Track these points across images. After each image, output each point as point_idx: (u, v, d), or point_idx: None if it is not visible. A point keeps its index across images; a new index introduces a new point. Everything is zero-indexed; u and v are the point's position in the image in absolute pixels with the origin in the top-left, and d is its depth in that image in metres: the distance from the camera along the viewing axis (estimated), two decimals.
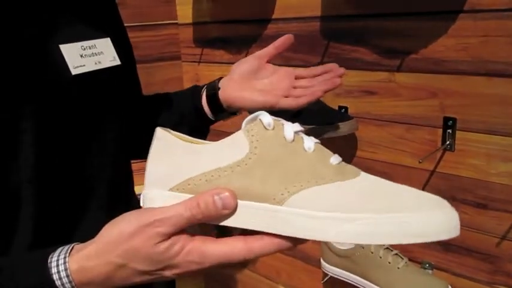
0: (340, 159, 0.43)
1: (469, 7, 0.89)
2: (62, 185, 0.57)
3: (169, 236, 0.42)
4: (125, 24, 0.74)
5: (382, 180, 0.43)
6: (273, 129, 0.43)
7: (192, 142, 0.46)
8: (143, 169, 0.45)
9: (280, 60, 1.22)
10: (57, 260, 0.45)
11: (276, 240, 0.41)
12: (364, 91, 1.07)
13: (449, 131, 0.95)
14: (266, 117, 0.43)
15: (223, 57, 1.37)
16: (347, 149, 1.12)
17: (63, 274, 0.44)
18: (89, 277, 0.44)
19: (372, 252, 1.00)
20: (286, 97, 0.71)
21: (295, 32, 1.18)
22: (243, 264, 0.44)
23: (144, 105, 0.79)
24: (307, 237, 0.39)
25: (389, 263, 0.98)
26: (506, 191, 0.90)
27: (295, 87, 0.73)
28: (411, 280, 0.96)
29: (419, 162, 0.93)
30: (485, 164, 0.92)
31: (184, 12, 1.45)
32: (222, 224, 0.42)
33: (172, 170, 0.44)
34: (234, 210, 0.41)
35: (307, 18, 1.14)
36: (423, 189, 0.42)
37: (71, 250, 0.45)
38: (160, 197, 0.44)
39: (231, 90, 0.73)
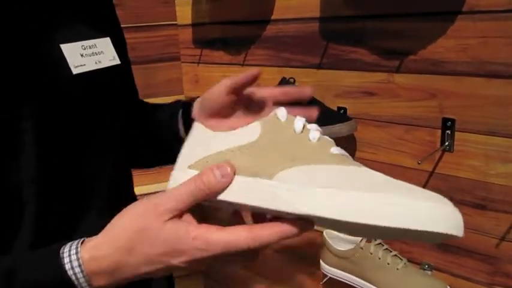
0: (342, 151, 0.44)
1: (468, 8, 0.89)
2: (63, 184, 0.57)
3: (177, 212, 0.44)
4: (125, 25, 0.74)
5: (384, 175, 0.42)
6: (286, 121, 0.46)
7: (216, 131, 0.50)
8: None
9: (281, 61, 1.22)
10: (69, 251, 0.45)
11: (280, 229, 0.41)
12: (363, 92, 1.07)
13: (448, 131, 0.95)
14: (282, 111, 0.47)
15: (223, 58, 1.38)
16: (346, 150, 1.11)
17: (75, 264, 0.45)
18: (100, 266, 0.45)
19: (371, 253, 1.00)
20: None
21: (294, 33, 1.18)
22: (246, 258, 0.45)
23: (141, 113, 0.79)
24: (293, 211, 0.40)
25: (388, 264, 0.98)
26: (505, 191, 0.91)
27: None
28: (410, 281, 0.96)
29: (418, 163, 0.94)
30: (484, 164, 0.92)
31: (184, 13, 1.46)
32: (220, 198, 0.43)
33: (195, 151, 0.48)
34: (230, 180, 0.43)
35: (306, 19, 1.14)
36: None
37: (83, 241, 0.46)
38: (181, 176, 0.46)
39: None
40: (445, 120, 0.95)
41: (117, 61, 0.65)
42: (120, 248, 0.45)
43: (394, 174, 0.41)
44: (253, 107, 0.61)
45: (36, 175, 0.53)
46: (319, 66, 1.14)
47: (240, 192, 0.43)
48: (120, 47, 0.67)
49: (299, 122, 0.46)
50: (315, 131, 0.45)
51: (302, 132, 0.45)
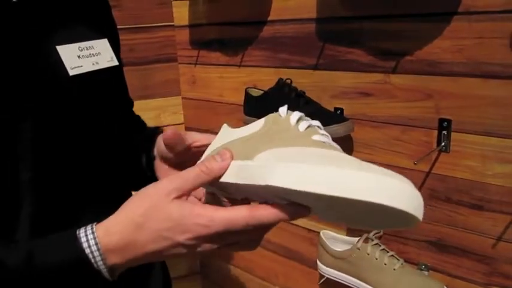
0: (324, 138, 0.48)
1: (464, 9, 0.89)
2: (61, 185, 0.57)
3: (182, 192, 0.47)
4: (122, 27, 0.75)
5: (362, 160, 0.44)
6: (285, 116, 0.51)
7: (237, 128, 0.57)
8: None
9: (277, 62, 1.22)
10: (85, 231, 0.48)
11: (277, 210, 0.44)
12: (360, 92, 1.08)
13: (445, 132, 0.95)
14: (283, 108, 0.52)
15: (220, 59, 1.38)
16: (343, 151, 1.12)
17: (92, 242, 0.47)
18: (113, 242, 0.47)
19: (368, 254, 1.00)
20: None
21: (291, 34, 1.18)
22: (249, 242, 0.49)
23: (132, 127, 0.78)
24: (262, 183, 0.43)
25: (385, 264, 0.98)
26: (501, 192, 0.91)
27: None
28: (407, 281, 0.96)
29: (415, 163, 0.94)
30: (480, 165, 0.92)
31: (181, 14, 1.46)
32: (219, 180, 0.48)
33: (213, 147, 0.55)
34: (229, 163, 0.48)
35: (303, 20, 1.14)
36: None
37: (97, 223, 0.49)
38: None
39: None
40: (441, 121, 0.95)
41: (115, 62, 0.65)
42: (130, 224, 0.47)
43: None
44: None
45: (34, 175, 0.54)
46: (315, 67, 1.14)
47: (232, 173, 0.48)
48: (115, 49, 0.67)
49: (295, 116, 0.50)
50: (304, 123, 0.49)
51: (296, 124, 0.50)
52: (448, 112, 0.95)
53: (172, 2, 1.46)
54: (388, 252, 1.00)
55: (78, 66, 0.59)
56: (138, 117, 0.82)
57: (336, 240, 1.13)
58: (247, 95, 1.22)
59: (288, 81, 1.12)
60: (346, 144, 1.11)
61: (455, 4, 0.90)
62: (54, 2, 0.59)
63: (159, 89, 1.50)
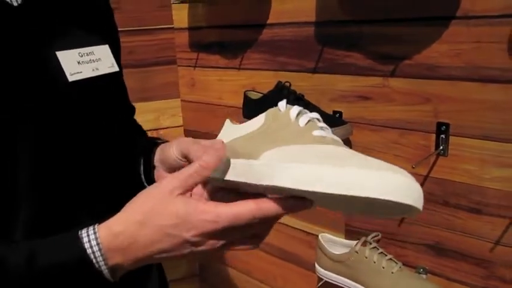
0: (324, 133, 0.49)
1: (462, 13, 0.89)
2: (59, 189, 0.57)
3: (185, 188, 0.48)
4: (121, 29, 0.75)
5: (362, 154, 0.46)
6: (284, 111, 0.52)
7: (239, 124, 0.59)
8: None
9: (276, 65, 1.22)
10: (88, 231, 0.48)
11: (283, 202, 0.45)
12: (358, 96, 1.08)
13: (443, 136, 0.95)
14: (282, 103, 0.53)
15: (219, 62, 1.38)
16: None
17: (94, 242, 0.47)
18: (115, 242, 0.47)
19: (366, 257, 1.00)
20: None
21: (290, 37, 1.18)
22: (253, 237, 0.49)
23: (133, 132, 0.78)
24: (269, 183, 0.44)
25: (383, 267, 0.98)
26: (499, 196, 0.91)
27: None
28: (405, 285, 0.96)
29: (413, 167, 0.94)
30: (478, 169, 0.92)
31: (180, 16, 1.46)
32: (226, 178, 0.50)
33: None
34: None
35: (302, 23, 1.14)
36: None
37: (100, 223, 0.48)
38: None
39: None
40: (439, 125, 0.96)
41: (116, 68, 0.65)
42: (134, 223, 0.47)
43: None
44: None
45: (32, 180, 0.54)
46: (314, 70, 1.14)
47: (239, 172, 0.49)
48: (116, 54, 0.67)
49: (294, 110, 0.51)
50: (304, 117, 0.50)
51: (296, 119, 0.51)
52: (446, 116, 0.95)
53: (172, 5, 1.47)
54: (386, 255, 1.00)
55: (78, 72, 0.59)
56: (139, 125, 0.82)
57: (334, 243, 1.13)
58: (246, 98, 1.22)
59: (287, 84, 1.12)
60: None
61: (453, 8, 0.90)
62: (55, 8, 0.59)
63: (158, 92, 1.50)
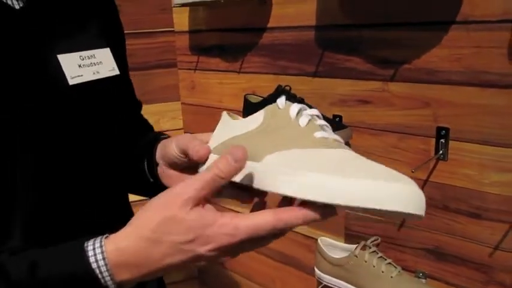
0: (325, 134, 0.48)
1: (462, 18, 0.89)
2: (58, 189, 0.57)
3: (199, 200, 0.45)
4: None
5: (364, 158, 0.45)
6: (284, 108, 0.50)
7: (237, 119, 0.58)
8: None
9: (277, 69, 1.23)
10: (94, 244, 0.45)
11: (303, 212, 0.42)
12: (358, 100, 1.08)
13: (442, 140, 0.95)
14: (281, 100, 0.51)
15: (219, 65, 1.38)
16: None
17: (99, 257, 0.44)
18: (123, 258, 0.45)
19: (366, 261, 1.00)
20: None
21: (290, 41, 1.19)
22: (273, 237, 0.46)
23: (138, 129, 0.78)
24: (275, 191, 0.43)
25: (382, 272, 0.98)
26: (499, 200, 0.91)
27: None
28: None
29: (412, 171, 0.94)
30: (478, 173, 0.93)
31: (181, 20, 1.46)
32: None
33: (216, 138, 0.56)
34: (243, 164, 0.46)
35: (302, 27, 1.15)
36: None
37: (107, 236, 0.46)
38: (208, 160, 0.54)
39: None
40: (439, 129, 0.96)
41: (117, 72, 0.65)
42: (144, 239, 0.44)
43: None
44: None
45: (32, 183, 0.54)
46: (314, 74, 1.14)
47: (244, 174, 0.47)
48: (120, 56, 0.67)
49: (294, 108, 0.50)
50: (305, 117, 0.49)
51: (296, 117, 0.49)
52: (445, 120, 0.95)
53: (173, 8, 1.47)
54: (385, 259, 0.99)
55: (79, 76, 0.59)
56: (145, 120, 0.81)
57: (334, 247, 1.13)
58: (246, 101, 1.22)
59: (287, 88, 1.13)
60: None
61: (453, 13, 0.90)
62: (57, 11, 0.60)
63: (158, 94, 1.50)
